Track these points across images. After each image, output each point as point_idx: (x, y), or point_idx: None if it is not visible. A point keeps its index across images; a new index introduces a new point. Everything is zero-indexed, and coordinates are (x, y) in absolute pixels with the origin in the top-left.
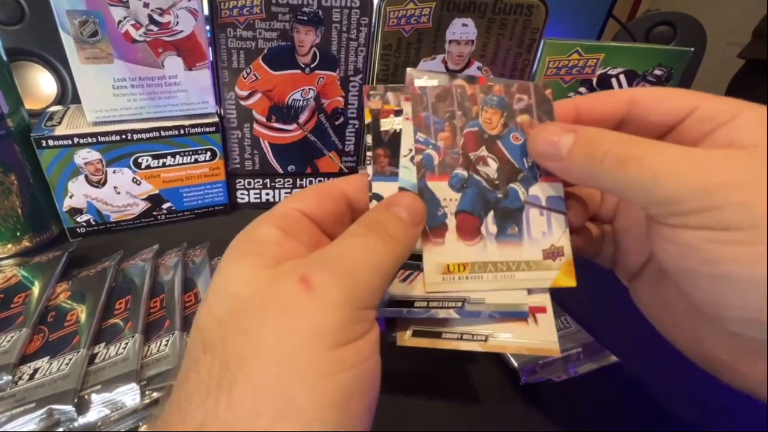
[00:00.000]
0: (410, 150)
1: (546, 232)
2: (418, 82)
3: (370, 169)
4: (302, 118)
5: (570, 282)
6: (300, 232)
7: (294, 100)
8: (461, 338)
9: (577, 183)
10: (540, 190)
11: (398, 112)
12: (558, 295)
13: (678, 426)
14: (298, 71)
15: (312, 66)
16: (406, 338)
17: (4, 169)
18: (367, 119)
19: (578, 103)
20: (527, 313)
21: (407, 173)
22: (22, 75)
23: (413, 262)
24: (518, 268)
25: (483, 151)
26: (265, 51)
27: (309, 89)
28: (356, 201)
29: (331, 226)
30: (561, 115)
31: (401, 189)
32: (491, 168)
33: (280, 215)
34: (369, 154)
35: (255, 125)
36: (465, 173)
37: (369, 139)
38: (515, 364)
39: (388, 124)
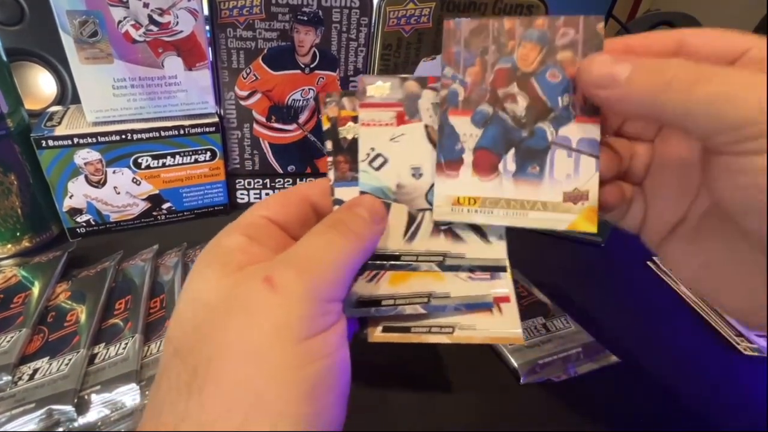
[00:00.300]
0: (368, 154)
1: (571, 174)
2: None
3: (331, 174)
4: (302, 118)
5: (591, 227)
6: (266, 238)
7: (294, 100)
8: (429, 331)
9: (635, 112)
10: (572, 131)
11: (356, 119)
12: (558, 295)
13: (678, 426)
14: (298, 71)
15: (312, 66)
16: (377, 334)
17: (4, 169)
18: (326, 125)
19: (629, 42)
20: (491, 303)
21: (367, 177)
22: (22, 75)
23: (378, 262)
24: (533, 207)
25: (513, 88)
26: (265, 51)
27: (309, 89)
28: (320, 205)
29: (297, 230)
30: (610, 53)
31: (362, 193)
32: (519, 106)
33: (246, 223)
34: (329, 159)
35: (255, 125)
36: (490, 110)
37: (329, 145)
38: (515, 364)
39: (346, 131)
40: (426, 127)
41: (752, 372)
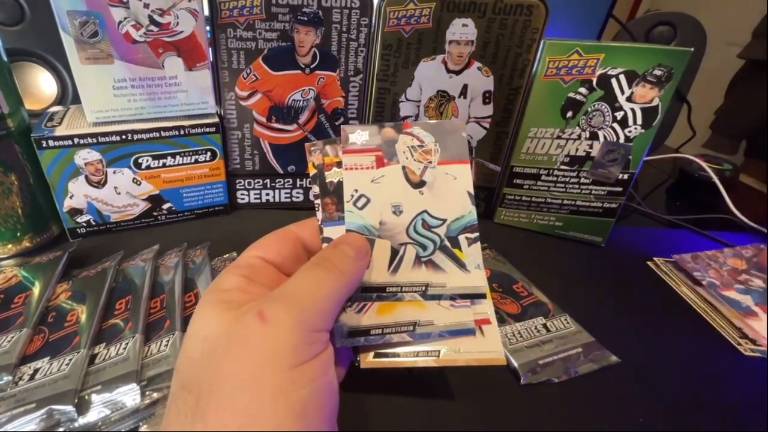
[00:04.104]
0: (352, 195)
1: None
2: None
3: (319, 215)
4: (302, 118)
5: None
6: (262, 277)
7: (294, 100)
8: (417, 356)
9: None
10: None
11: (340, 164)
12: (558, 295)
13: (678, 426)
14: (298, 71)
15: (312, 66)
16: (368, 360)
17: (4, 169)
18: (312, 171)
19: None
20: (474, 329)
21: (352, 216)
22: (22, 75)
23: (365, 294)
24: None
25: None
26: (266, 51)
27: (309, 89)
28: (310, 243)
29: (290, 267)
30: None
31: (348, 231)
32: None
33: (243, 264)
34: (317, 202)
35: (255, 125)
36: None
37: (316, 189)
38: (515, 364)
39: (331, 175)
40: (403, 168)
41: (752, 372)
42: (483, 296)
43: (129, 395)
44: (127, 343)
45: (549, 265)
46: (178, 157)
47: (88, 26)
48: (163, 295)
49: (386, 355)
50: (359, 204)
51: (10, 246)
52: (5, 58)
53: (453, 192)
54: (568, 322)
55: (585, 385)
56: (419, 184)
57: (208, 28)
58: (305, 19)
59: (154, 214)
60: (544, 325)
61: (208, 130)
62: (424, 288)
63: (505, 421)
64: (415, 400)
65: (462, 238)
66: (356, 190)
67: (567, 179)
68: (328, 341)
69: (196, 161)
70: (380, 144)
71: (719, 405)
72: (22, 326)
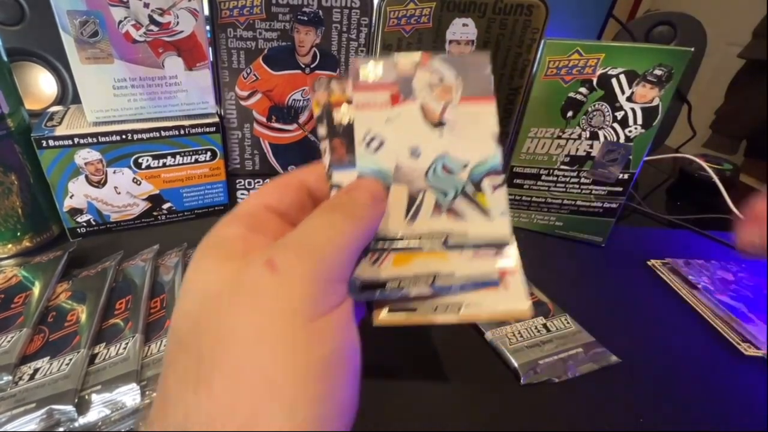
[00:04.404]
0: (364, 137)
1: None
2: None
3: (326, 159)
4: (302, 118)
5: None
6: (264, 226)
7: (294, 100)
8: (436, 310)
9: None
10: None
11: (350, 102)
12: (558, 295)
13: (678, 426)
14: (299, 71)
15: (312, 66)
16: (382, 317)
17: (4, 169)
18: (316, 111)
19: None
20: (498, 281)
21: (364, 160)
22: (22, 75)
23: (380, 245)
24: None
25: None
26: (266, 51)
27: (309, 89)
28: (317, 191)
29: (295, 216)
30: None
31: (360, 176)
32: None
33: (243, 212)
34: (323, 145)
35: (255, 125)
36: None
37: (322, 130)
38: (515, 364)
39: (340, 114)
40: (421, 106)
41: (752, 373)
42: (508, 244)
43: (129, 395)
44: (127, 343)
45: (549, 265)
46: (178, 156)
47: (88, 26)
48: (164, 294)
49: (402, 310)
50: (372, 146)
51: (10, 246)
52: (5, 58)
53: (476, 133)
54: (568, 322)
55: (585, 385)
56: (439, 124)
57: (208, 27)
58: (305, 18)
59: (154, 213)
60: (544, 325)
61: (208, 129)
62: (444, 237)
63: (505, 421)
64: (413, 398)
65: (486, 183)
66: (369, 131)
67: (567, 179)
68: (346, 294)
69: (196, 161)
70: (395, 80)
71: (720, 405)
72: (22, 326)
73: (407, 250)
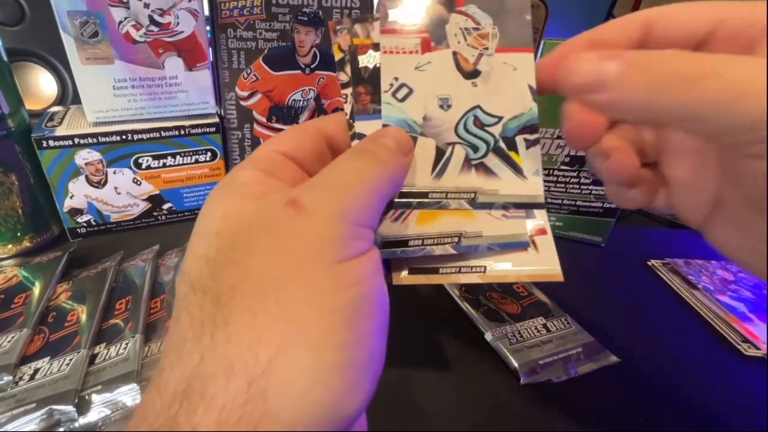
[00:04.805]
0: (391, 85)
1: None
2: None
3: (347, 108)
4: (302, 118)
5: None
6: (282, 172)
7: (294, 100)
8: (459, 271)
9: (628, 117)
10: None
11: (376, 46)
12: (558, 295)
13: (678, 426)
14: (299, 72)
15: (312, 66)
16: (402, 277)
17: (4, 169)
18: (338, 55)
19: (590, 37)
20: (528, 243)
21: (390, 109)
22: (22, 75)
23: (405, 201)
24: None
25: None
26: (266, 51)
27: (309, 89)
28: (336, 139)
29: (312, 166)
30: (574, 51)
31: (385, 125)
32: None
33: (260, 158)
34: (345, 92)
35: (255, 126)
36: None
37: (344, 76)
38: (515, 364)
39: (366, 59)
40: (454, 54)
41: (752, 373)
42: (541, 206)
43: (129, 395)
44: (127, 343)
45: None
46: (178, 157)
47: (89, 26)
48: (164, 295)
49: (423, 271)
50: (399, 95)
51: (10, 246)
52: (5, 58)
53: (512, 85)
54: (568, 322)
55: (585, 385)
56: (472, 74)
57: (208, 28)
58: (305, 19)
59: (155, 214)
60: (544, 325)
61: (208, 130)
62: (472, 195)
63: (505, 421)
64: (414, 399)
65: (520, 139)
66: (396, 79)
67: (567, 179)
68: (374, 243)
69: (197, 161)
70: (427, 24)
71: (720, 405)
72: (22, 326)
73: (432, 206)
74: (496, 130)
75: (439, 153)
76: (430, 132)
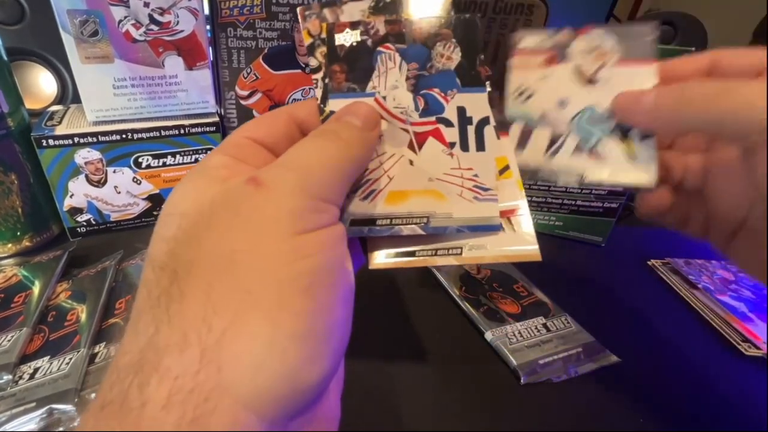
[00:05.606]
0: (516, 89)
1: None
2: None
3: (318, 93)
4: None
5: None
6: (252, 158)
7: (294, 99)
8: (435, 254)
9: (664, 127)
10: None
11: (354, 25)
12: (558, 295)
13: (678, 426)
14: (299, 71)
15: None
16: (378, 261)
17: (4, 168)
18: (308, 40)
19: (667, 68)
20: (499, 226)
21: (513, 108)
22: (22, 75)
23: (522, 173)
24: None
25: None
26: (266, 50)
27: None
28: (307, 124)
29: (283, 150)
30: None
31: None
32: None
33: (231, 144)
34: (315, 77)
35: None
36: None
37: (314, 61)
38: (515, 364)
39: (343, 38)
40: (575, 67)
41: (753, 373)
42: (650, 190)
43: None
44: None
45: (549, 265)
46: (178, 156)
47: (88, 25)
48: None
49: (400, 255)
50: (522, 97)
51: (10, 245)
52: (5, 58)
53: (629, 87)
54: (568, 322)
55: (585, 385)
56: (591, 82)
57: (208, 27)
58: None
59: (155, 213)
60: (544, 325)
61: (208, 129)
62: (581, 176)
63: (505, 421)
64: (414, 399)
65: (635, 131)
66: (521, 86)
67: None
68: (338, 218)
69: (197, 160)
70: (553, 47)
71: (720, 405)
72: (22, 325)
73: (543, 180)
74: (610, 124)
75: (554, 139)
76: (548, 124)
